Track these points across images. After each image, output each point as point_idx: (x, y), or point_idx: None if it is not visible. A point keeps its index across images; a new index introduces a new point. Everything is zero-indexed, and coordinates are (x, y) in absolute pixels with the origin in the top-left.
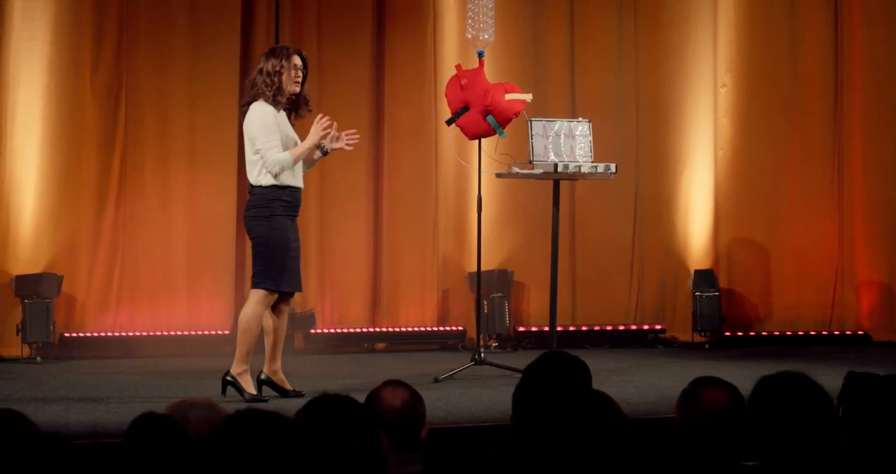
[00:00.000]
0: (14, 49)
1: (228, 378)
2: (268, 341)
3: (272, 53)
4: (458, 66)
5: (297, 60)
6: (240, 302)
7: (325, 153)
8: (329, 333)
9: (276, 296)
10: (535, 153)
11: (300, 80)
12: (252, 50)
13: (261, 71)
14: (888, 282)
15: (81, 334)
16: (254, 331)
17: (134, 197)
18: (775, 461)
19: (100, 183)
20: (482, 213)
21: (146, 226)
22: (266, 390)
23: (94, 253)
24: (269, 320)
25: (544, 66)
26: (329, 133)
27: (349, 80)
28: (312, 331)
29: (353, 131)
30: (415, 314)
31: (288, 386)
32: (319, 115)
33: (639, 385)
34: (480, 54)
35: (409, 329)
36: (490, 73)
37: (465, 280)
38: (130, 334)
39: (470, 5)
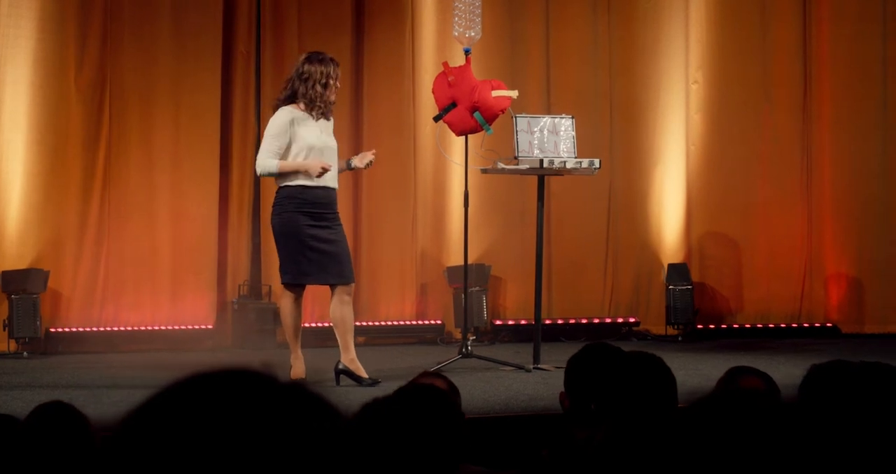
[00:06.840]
0: None
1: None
2: (336, 333)
3: (321, 62)
4: (444, 63)
5: (339, 71)
6: (222, 297)
7: (349, 168)
8: (311, 328)
9: (294, 288)
10: (520, 149)
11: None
12: (234, 48)
13: (301, 75)
14: (856, 275)
15: (67, 329)
16: (285, 322)
17: (118, 193)
18: (819, 449)
19: (85, 179)
20: (461, 208)
21: (130, 221)
22: (344, 379)
23: (79, 248)
24: (332, 313)
25: (520, 62)
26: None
27: None
28: None
29: (372, 151)
30: (394, 308)
31: (364, 375)
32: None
33: None
34: (467, 52)
35: (389, 323)
36: None
37: (443, 274)
38: (115, 329)
39: (457, 3)
